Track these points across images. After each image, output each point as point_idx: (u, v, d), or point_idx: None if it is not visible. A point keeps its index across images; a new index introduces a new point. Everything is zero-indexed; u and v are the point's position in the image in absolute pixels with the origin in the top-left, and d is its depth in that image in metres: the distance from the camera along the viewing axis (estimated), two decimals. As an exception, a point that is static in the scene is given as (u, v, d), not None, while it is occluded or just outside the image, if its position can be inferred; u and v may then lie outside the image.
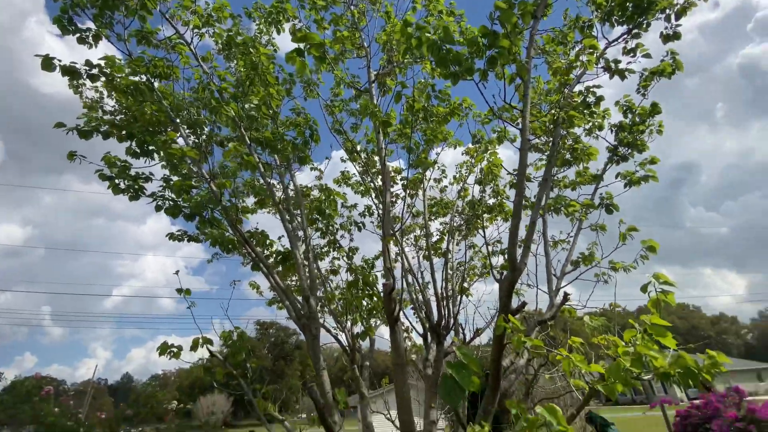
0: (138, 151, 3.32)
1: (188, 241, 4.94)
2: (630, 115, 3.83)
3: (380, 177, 2.97)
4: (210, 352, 2.95)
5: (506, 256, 3.00)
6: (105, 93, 3.74)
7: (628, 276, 3.77)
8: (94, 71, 3.00)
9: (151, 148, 3.17)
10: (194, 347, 2.84)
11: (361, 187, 5.79)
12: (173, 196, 3.29)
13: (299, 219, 3.40)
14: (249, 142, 3.09)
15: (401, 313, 2.44)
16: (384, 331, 5.47)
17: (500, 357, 2.47)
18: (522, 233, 2.53)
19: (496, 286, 3.60)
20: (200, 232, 3.27)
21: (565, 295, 2.77)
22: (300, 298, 3.03)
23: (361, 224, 5.46)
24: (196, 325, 2.89)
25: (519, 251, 2.46)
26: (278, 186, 3.88)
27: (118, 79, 3.03)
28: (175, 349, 2.80)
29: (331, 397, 2.56)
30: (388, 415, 4.25)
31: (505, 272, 2.63)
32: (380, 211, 5.88)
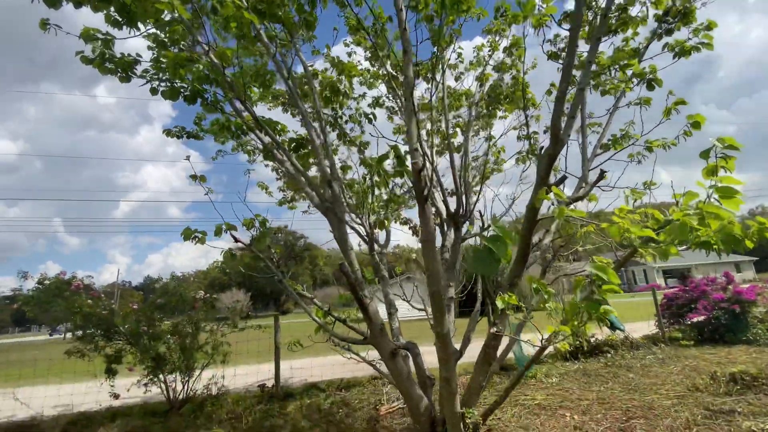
0: (119, 19, 2.84)
1: (187, 137, 4.65)
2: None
3: (401, 44, 2.57)
4: (234, 237, 2.93)
5: (547, 129, 2.79)
6: None
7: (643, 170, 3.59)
8: None
9: (134, 10, 2.69)
10: (218, 233, 2.81)
11: (369, 77, 5.26)
12: (168, 75, 2.92)
13: (312, 100, 3.08)
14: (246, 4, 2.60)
15: (430, 191, 2.32)
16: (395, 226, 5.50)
17: (531, 231, 2.43)
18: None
19: (509, 176, 3.41)
20: (205, 112, 2.97)
21: (602, 172, 2.62)
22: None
23: (371, 115, 5.10)
24: (218, 213, 2.81)
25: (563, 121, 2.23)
26: (283, 66, 3.45)
27: None
28: (199, 234, 2.77)
29: (360, 274, 2.61)
30: (404, 297, 4.49)
31: (544, 146, 2.43)
32: (396, 98, 5.46)
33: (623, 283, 46.76)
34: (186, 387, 5.93)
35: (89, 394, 6.90)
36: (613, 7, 2.98)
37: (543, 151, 2.28)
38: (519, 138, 4.53)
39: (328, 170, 2.78)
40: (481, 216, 3.73)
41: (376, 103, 5.37)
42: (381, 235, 4.62)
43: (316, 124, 3.12)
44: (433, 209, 4.44)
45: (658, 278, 42.19)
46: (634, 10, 3.55)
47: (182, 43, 3.03)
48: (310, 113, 3.68)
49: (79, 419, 5.68)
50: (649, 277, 43.49)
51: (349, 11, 4.28)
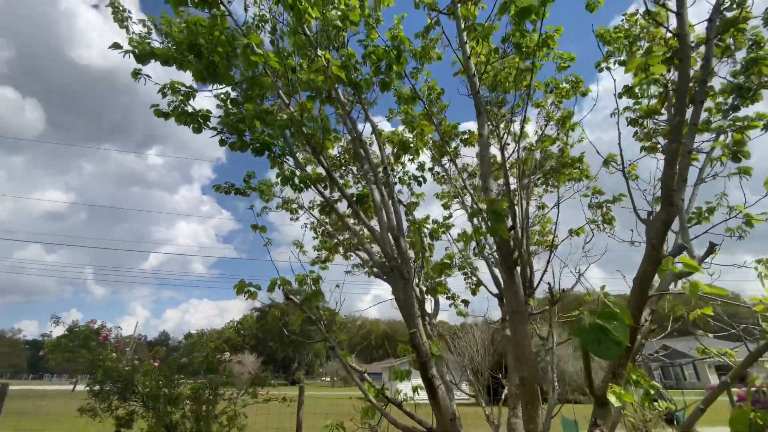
0: (205, 75, 2.98)
1: (235, 194, 4.72)
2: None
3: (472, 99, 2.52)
4: (286, 295, 2.69)
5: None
6: (153, 27, 3.41)
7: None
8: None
9: (218, 70, 2.82)
10: (271, 288, 2.58)
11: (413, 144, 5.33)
12: (244, 126, 2.97)
13: (376, 154, 3.03)
14: (327, 63, 2.68)
15: (522, 254, 2.05)
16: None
17: (641, 310, 2.06)
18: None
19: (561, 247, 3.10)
20: (270, 163, 2.93)
21: (712, 245, 2.29)
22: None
23: (421, 178, 5.05)
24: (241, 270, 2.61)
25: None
26: (349, 124, 3.48)
27: None
28: (252, 289, 2.55)
29: (429, 348, 2.26)
30: (453, 380, 3.99)
31: (655, 210, 2.17)
32: (440, 164, 5.45)
33: (671, 379, 41.95)
34: (196, 464, 5.25)
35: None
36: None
37: (654, 216, 2.01)
38: (590, 206, 4.27)
39: (395, 225, 2.58)
40: (551, 289, 3.35)
41: (422, 167, 5.36)
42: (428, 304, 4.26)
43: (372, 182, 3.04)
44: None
45: (711, 375, 37.62)
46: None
47: (257, 99, 3.13)
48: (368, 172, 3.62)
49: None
50: (700, 373, 38.93)
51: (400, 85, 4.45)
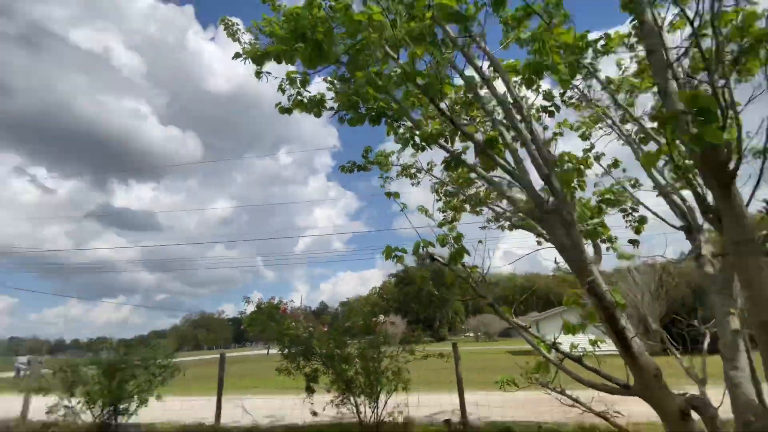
0: (313, 57, 3.03)
1: (357, 170, 4.87)
2: None
3: None
4: (432, 256, 2.64)
5: None
6: (258, 30, 3.59)
7: None
8: None
9: (323, 49, 2.81)
10: (416, 251, 2.58)
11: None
12: (357, 98, 2.95)
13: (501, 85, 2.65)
14: None
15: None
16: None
17: None
18: None
19: None
20: (388, 129, 2.85)
21: None
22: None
23: (552, 107, 4.34)
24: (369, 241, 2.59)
25: None
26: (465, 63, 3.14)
27: None
28: (400, 253, 2.59)
29: (611, 297, 1.92)
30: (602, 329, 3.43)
31: None
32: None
33: None
34: (375, 412, 5.96)
35: (295, 408, 7.76)
36: None
37: None
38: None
39: (542, 162, 2.23)
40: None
41: (549, 96, 4.60)
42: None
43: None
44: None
45: None
46: None
47: (365, 67, 3.05)
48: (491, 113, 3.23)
49: (287, 431, 6.33)
50: None
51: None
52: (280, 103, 3.62)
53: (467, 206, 6.64)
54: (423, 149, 3.07)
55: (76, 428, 6.64)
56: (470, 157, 3.39)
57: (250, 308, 6.22)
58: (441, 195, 6.70)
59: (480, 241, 2.94)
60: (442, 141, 3.05)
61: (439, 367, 6.72)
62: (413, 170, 6.27)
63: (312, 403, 6.29)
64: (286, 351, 6.16)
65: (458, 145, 3.52)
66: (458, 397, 6.46)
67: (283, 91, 3.52)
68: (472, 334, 61.13)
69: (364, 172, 5.05)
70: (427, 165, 5.95)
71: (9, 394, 11.31)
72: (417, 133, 3.00)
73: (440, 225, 7.35)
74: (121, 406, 6.83)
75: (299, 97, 3.56)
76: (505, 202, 5.45)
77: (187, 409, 8.73)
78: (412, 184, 6.57)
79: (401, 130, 3.47)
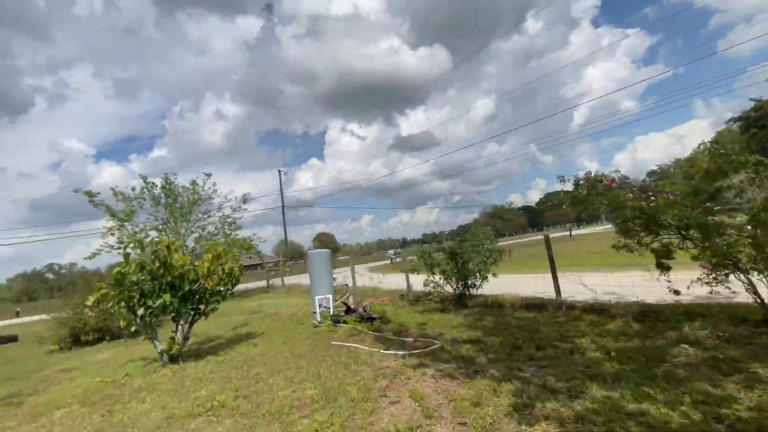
0: None
1: None
2: None
3: None
4: None
5: None
6: None
7: None
8: None
9: None
10: None
11: None
12: None
13: None
14: None
15: None
16: None
17: None
18: None
19: None
20: None
21: None
22: None
23: None
24: None
25: None
26: None
27: None
28: None
29: None
30: None
31: None
32: None
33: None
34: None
35: (638, 287, 6.93)
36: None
37: None
38: None
39: None
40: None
41: None
42: None
43: None
44: None
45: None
46: None
47: None
48: None
49: (645, 310, 5.65)
50: None
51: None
52: None
53: None
54: None
55: (444, 296, 8.73)
56: None
57: (567, 187, 5.62)
58: None
59: None
60: None
61: None
62: None
63: (669, 281, 5.29)
64: (625, 225, 5.29)
65: None
66: None
67: None
68: None
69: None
70: None
71: (393, 273, 16.82)
72: None
73: None
74: (469, 282, 8.42)
75: None
76: None
77: (521, 284, 9.69)
78: None
79: None
